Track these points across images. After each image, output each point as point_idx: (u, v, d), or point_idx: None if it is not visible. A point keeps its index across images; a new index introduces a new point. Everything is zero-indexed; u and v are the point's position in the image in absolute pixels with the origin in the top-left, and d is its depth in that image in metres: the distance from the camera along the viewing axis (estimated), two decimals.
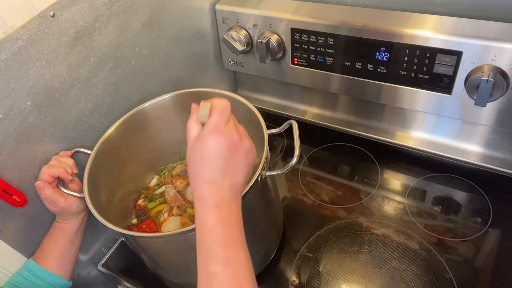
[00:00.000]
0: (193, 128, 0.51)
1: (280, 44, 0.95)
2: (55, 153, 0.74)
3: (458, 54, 0.77)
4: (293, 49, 0.95)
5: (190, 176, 0.51)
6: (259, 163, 0.64)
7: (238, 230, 0.48)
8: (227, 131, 0.50)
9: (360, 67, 0.90)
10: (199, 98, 0.81)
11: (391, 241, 0.82)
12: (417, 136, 1.00)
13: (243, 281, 0.45)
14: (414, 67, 0.83)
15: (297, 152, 0.66)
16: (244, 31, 0.99)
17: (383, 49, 0.84)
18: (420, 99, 0.87)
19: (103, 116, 0.82)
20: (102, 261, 0.90)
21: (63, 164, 0.71)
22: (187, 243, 0.60)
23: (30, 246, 0.74)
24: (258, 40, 0.95)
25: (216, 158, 0.49)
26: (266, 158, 0.66)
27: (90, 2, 0.72)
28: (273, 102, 1.19)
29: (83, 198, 0.67)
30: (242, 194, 0.52)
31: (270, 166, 0.71)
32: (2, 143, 0.65)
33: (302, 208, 0.92)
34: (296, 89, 1.12)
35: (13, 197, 0.66)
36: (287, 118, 1.12)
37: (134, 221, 0.82)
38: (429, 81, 0.83)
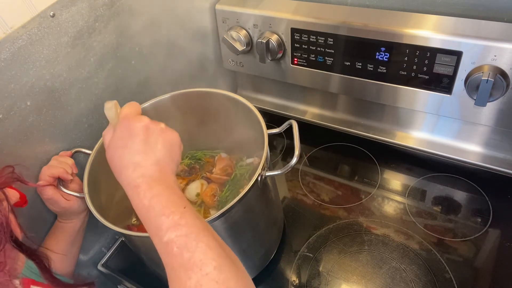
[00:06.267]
0: (106, 134, 0.52)
1: (280, 44, 0.95)
2: (55, 153, 0.74)
3: (458, 54, 0.77)
4: (293, 49, 0.95)
5: (115, 173, 0.50)
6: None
7: (178, 198, 0.46)
8: (137, 117, 0.51)
9: (360, 67, 0.90)
10: (199, 98, 0.82)
11: (391, 241, 0.82)
12: (417, 136, 1.00)
13: (200, 235, 0.43)
14: (414, 67, 0.83)
15: (297, 152, 0.66)
16: (244, 31, 0.99)
17: (383, 49, 0.84)
18: (420, 99, 0.87)
19: (103, 116, 0.81)
20: (102, 261, 0.90)
21: (63, 164, 0.71)
22: None
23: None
24: (258, 40, 0.95)
25: (132, 142, 0.49)
26: (266, 158, 0.66)
27: (90, 2, 0.72)
28: (273, 102, 1.19)
29: (84, 198, 0.67)
30: (174, 172, 0.51)
31: (270, 166, 0.71)
32: (2, 143, 0.65)
33: (302, 208, 0.92)
34: (296, 89, 1.12)
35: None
36: (287, 118, 1.12)
37: (134, 221, 0.82)
38: (429, 81, 0.83)
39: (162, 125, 0.52)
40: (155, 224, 0.44)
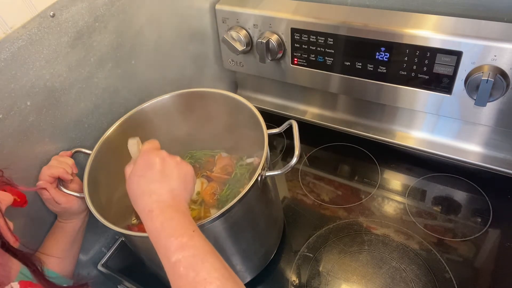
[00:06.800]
0: (128, 167, 0.57)
1: (280, 44, 0.95)
2: (55, 153, 0.74)
3: (458, 54, 0.77)
4: (293, 49, 0.95)
5: (132, 199, 0.53)
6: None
7: (188, 222, 0.50)
8: (156, 151, 0.56)
9: (360, 67, 0.90)
10: (199, 98, 0.82)
11: (391, 241, 0.82)
12: (417, 136, 1.00)
13: (207, 257, 0.46)
14: (414, 67, 0.83)
15: (297, 152, 0.66)
16: (244, 31, 0.99)
17: (383, 49, 0.84)
18: (420, 99, 0.87)
19: (103, 116, 0.82)
20: (102, 261, 0.90)
21: (63, 164, 0.71)
22: None
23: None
24: (258, 40, 0.95)
25: (149, 172, 0.53)
26: (266, 158, 0.66)
27: (90, 2, 0.72)
28: (273, 102, 1.19)
29: (84, 198, 0.67)
30: (187, 201, 0.54)
31: (270, 166, 0.71)
32: (2, 143, 0.65)
33: (302, 208, 0.92)
34: (296, 89, 1.12)
35: (13, 197, 0.66)
36: (287, 118, 1.12)
37: (134, 221, 0.82)
38: (429, 81, 0.83)
39: (178, 158, 0.56)
40: (164, 245, 0.47)
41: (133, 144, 0.59)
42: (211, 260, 0.45)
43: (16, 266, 0.56)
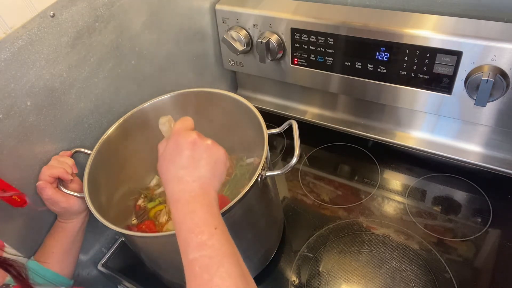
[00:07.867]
0: (160, 145, 0.55)
1: (280, 44, 0.95)
2: (55, 153, 0.74)
3: (458, 54, 0.77)
4: (293, 49, 0.95)
5: (163, 184, 0.52)
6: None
7: (212, 217, 0.48)
8: (186, 133, 0.52)
9: (360, 67, 0.90)
10: (199, 98, 0.82)
11: (391, 241, 0.82)
12: (417, 136, 1.00)
13: (223, 261, 0.44)
14: (414, 67, 0.83)
15: (297, 152, 0.66)
16: (244, 31, 0.99)
17: (383, 49, 0.84)
18: (420, 99, 0.87)
19: (103, 116, 0.82)
20: (102, 261, 0.90)
21: (63, 164, 0.71)
22: None
23: (30, 246, 0.74)
24: (258, 40, 0.95)
25: (178, 156, 0.51)
26: (266, 158, 0.66)
27: (90, 2, 0.72)
28: (273, 102, 1.19)
29: (84, 198, 0.67)
30: (216, 188, 0.52)
31: (270, 166, 0.71)
32: (2, 143, 0.65)
33: (302, 208, 0.92)
34: (296, 89, 1.12)
35: (13, 197, 0.66)
36: (287, 118, 1.12)
37: (134, 221, 0.82)
38: (429, 81, 0.83)
39: (209, 141, 0.53)
40: (184, 240, 0.46)
41: (163, 123, 0.56)
42: (227, 265, 0.44)
43: (1, 272, 0.55)
